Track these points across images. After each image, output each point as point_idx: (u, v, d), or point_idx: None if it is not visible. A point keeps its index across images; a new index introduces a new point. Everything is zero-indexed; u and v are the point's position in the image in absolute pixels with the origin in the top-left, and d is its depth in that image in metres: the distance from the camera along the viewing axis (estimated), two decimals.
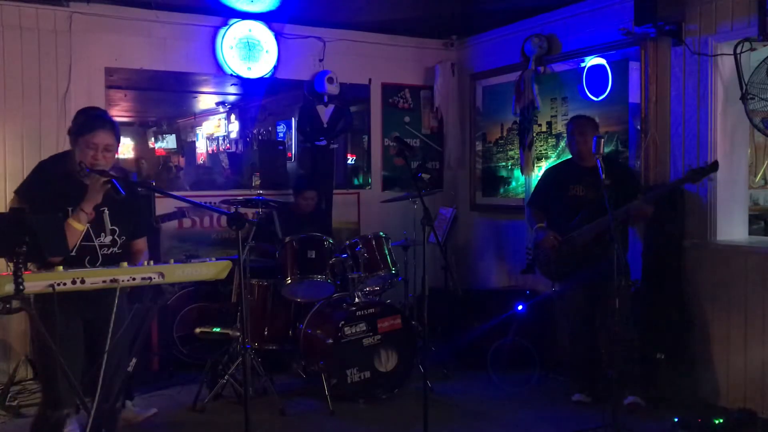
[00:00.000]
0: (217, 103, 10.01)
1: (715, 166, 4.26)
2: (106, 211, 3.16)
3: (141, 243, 3.37)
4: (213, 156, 11.05)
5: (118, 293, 2.74)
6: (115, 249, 3.18)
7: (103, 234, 3.15)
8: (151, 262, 2.84)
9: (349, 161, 7.47)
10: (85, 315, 3.10)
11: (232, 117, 10.40)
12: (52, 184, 3.14)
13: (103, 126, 3.15)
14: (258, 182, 7.00)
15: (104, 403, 2.88)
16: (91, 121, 3.17)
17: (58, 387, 3.01)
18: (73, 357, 3.00)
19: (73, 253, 3.00)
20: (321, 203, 6.15)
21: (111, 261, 3.12)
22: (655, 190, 4.65)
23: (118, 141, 3.24)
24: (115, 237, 3.19)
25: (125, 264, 2.81)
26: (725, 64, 4.61)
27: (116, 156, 3.27)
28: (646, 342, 4.67)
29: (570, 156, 4.94)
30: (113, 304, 3.07)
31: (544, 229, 4.74)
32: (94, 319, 3.09)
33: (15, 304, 2.52)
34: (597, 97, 5.50)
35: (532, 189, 5.30)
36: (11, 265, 2.52)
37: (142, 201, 3.51)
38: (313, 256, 4.94)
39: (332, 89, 6.27)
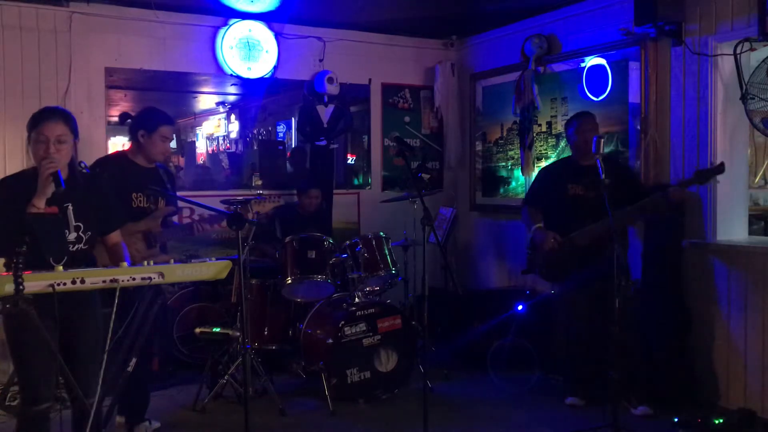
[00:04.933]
0: (217, 103, 10.01)
1: (721, 167, 4.22)
2: (70, 207, 3.09)
3: (115, 236, 3.29)
4: (213, 156, 11.04)
5: (118, 293, 2.72)
6: (81, 245, 3.12)
7: (67, 231, 3.09)
8: (151, 262, 2.83)
9: (349, 161, 7.47)
10: (56, 313, 2.91)
11: (232, 117, 10.40)
12: (15, 191, 3.05)
13: (51, 117, 3.06)
14: (259, 182, 7.00)
15: (87, 401, 2.86)
16: (38, 115, 3.09)
17: (35, 384, 3.03)
18: (48, 355, 2.96)
19: (49, 259, 2.90)
20: (322, 203, 6.16)
21: (77, 257, 3.08)
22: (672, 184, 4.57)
23: (75, 133, 3.13)
24: (80, 233, 3.11)
25: (124, 264, 2.81)
26: (725, 64, 4.61)
27: (73, 149, 3.13)
28: (646, 342, 4.67)
29: (568, 154, 4.92)
30: (84, 304, 3.10)
31: (543, 230, 4.69)
32: (66, 318, 3.03)
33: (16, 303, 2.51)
34: (597, 97, 5.50)
35: (530, 187, 5.27)
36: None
37: (110, 194, 3.38)
38: (313, 256, 4.94)
39: (332, 89, 6.27)
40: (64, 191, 3.00)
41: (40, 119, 3.06)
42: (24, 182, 3.07)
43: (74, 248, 3.11)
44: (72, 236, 3.10)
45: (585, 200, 4.55)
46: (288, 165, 7.51)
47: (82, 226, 3.13)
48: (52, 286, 2.58)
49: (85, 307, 3.13)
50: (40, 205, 2.97)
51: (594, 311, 4.58)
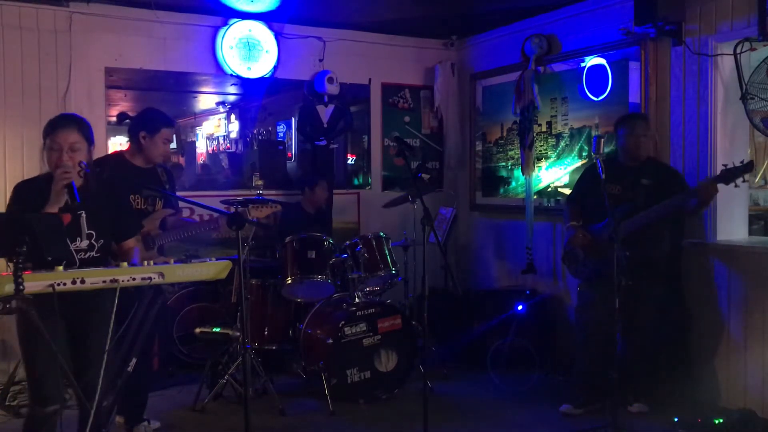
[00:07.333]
0: (217, 103, 10.00)
1: (749, 166, 4.10)
2: (83, 215, 3.09)
3: (131, 242, 3.29)
4: (213, 156, 11.03)
5: (118, 293, 2.72)
6: (93, 253, 3.12)
7: (79, 239, 3.08)
8: (152, 262, 2.83)
9: (349, 161, 7.47)
10: (66, 315, 3.01)
11: (232, 117, 10.39)
12: (28, 197, 3.06)
13: (65, 124, 3.07)
14: (259, 182, 6.99)
15: (92, 401, 2.87)
16: (52, 122, 3.10)
17: (44, 385, 3.02)
18: (55, 355, 2.98)
19: (49, 258, 2.90)
20: (330, 198, 6.16)
21: (88, 266, 3.05)
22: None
23: (89, 140, 3.13)
24: (92, 241, 3.12)
25: (125, 264, 2.80)
26: (725, 64, 4.61)
27: (88, 156, 3.13)
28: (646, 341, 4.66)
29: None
30: (96, 305, 3.06)
31: (575, 227, 4.61)
32: (76, 319, 3.06)
33: (14, 303, 2.52)
34: (597, 97, 5.51)
35: (574, 185, 5.07)
36: (11, 265, 2.52)
37: (124, 202, 3.38)
38: (313, 256, 4.95)
39: (332, 89, 6.27)
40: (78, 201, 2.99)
41: (54, 126, 3.06)
42: (37, 188, 3.07)
43: (86, 255, 3.11)
44: (84, 244, 3.10)
45: (621, 200, 4.38)
46: (294, 167, 7.52)
47: (94, 234, 3.13)
48: (52, 286, 2.58)
49: (95, 308, 3.10)
50: (52, 212, 2.97)
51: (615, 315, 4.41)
